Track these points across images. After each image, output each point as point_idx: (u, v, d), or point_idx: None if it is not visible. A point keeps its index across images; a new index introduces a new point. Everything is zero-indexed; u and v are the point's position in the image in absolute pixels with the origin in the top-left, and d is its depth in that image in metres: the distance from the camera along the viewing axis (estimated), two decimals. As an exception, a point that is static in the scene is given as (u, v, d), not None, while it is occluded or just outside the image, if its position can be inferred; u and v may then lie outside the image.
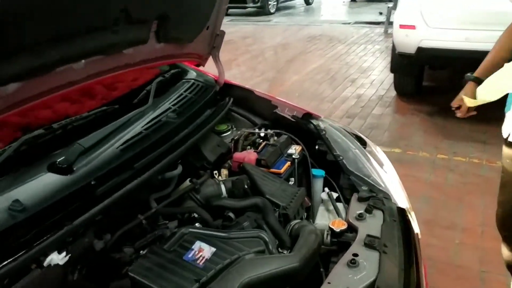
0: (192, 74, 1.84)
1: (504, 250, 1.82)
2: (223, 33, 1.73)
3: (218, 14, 1.65)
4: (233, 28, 10.46)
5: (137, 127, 1.37)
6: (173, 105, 1.54)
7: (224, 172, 1.53)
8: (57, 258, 0.97)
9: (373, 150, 1.72)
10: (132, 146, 1.27)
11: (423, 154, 3.76)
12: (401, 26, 4.12)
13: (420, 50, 4.02)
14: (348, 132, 1.73)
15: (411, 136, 4.07)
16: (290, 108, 1.82)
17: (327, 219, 1.41)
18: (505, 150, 1.63)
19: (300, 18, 11.97)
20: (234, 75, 6.39)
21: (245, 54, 7.66)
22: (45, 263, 0.96)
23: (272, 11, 12.58)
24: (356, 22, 10.29)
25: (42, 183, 1.06)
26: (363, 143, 1.71)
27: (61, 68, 1.08)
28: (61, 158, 1.14)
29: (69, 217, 1.02)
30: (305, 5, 14.64)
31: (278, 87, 5.75)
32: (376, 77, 5.86)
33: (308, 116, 1.79)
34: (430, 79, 5.41)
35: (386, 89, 5.34)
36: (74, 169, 1.14)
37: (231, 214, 1.30)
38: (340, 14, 12.97)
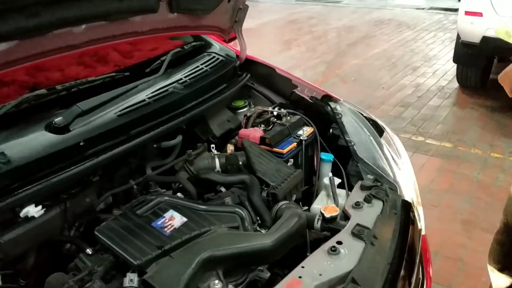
0: (215, 48, 1.84)
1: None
2: (246, 7, 1.70)
3: (240, -13, 1.62)
4: (301, 8, 10.30)
5: (142, 96, 1.39)
6: (185, 77, 1.55)
7: (230, 147, 1.53)
8: (33, 211, 1.02)
9: (391, 140, 1.63)
10: (131, 113, 1.30)
11: (476, 151, 3.52)
12: (467, 13, 3.83)
13: (485, 39, 3.73)
14: (366, 118, 1.65)
15: (466, 131, 3.82)
16: (310, 88, 1.77)
17: (324, 204, 1.36)
18: None
19: (372, 1, 11.47)
20: (293, 56, 6.33)
21: (307, 35, 7.52)
22: (22, 214, 1.01)
23: (343, -8, 12.18)
24: (431, 8, 9.70)
25: (34, 140, 1.12)
26: (381, 131, 1.62)
27: (59, 31, 1.11)
28: (58, 119, 1.19)
29: (53, 173, 1.06)
30: (380, -13, 14.00)
31: (335, 70, 5.62)
32: (440, 67, 5.52)
33: (327, 98, 1.72)
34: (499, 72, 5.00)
35: (448, 80, 5.03)
36: (71, 130, 1.19)
37: (223, 189, 1.30)
38: (415, -2, 12.30)
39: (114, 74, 1.43)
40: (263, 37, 7.67)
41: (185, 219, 1.05)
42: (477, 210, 2.79)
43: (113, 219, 1.05)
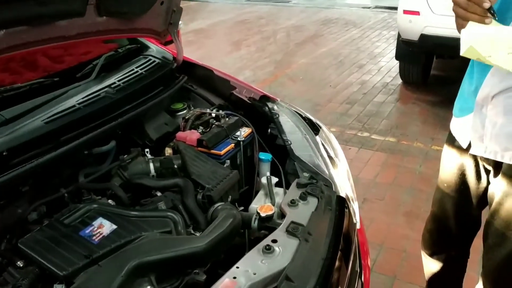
0: (151, 51, 1.82)
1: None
2: (180, 9, 1.69)
3: (173, -11, 1.61)
4: (251, 8, 10.35)
5: (72, 101, 1.36)
6: (118, 80, 1.53)
7: (168, 150, 1.51)
8: None
9: (327, 138, 1.67)
10: (59, 120, 1.26)
11: (418, 144, 3.66)
12: (405, 12, 3.98)
13: (423, 37, 3.89)
14: (302, 116, 1.68)
15: (409, 126, 3.97)
16: (248, 89, 1.79)
17: (262, 204, 1.38)
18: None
19: (320, 0, 11.69)
20: (243, 56, 6.35)
21: (257, 35, 7.57)
22: None
23: (292, -8, 12.35)
24: (376, 7, 10.01)
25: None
26: (317, 129, 1.66)
27: (-25, 37, 1.06)
28: (-21, 128, 1.14)
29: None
30: (328, -13, 14.30)
31: (284, 69, 5.68)
32: (385, 64, 5.71)
33: (265, 98, 1.74)
34: (440, 68, 5.24)
35: (392, 76, 5.20)
36: (-7, 139, 1.14)
37: (158, 193, 1.28)
38: (362, -3, 12.65)
39: (42, 80, 1.39)
40: (213, 38, 7.66)
41: (114, 226, 1.03)
42: (419, 202, 2.90)
43: (39, 230, 1.02)
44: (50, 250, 0.96)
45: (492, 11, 1.04)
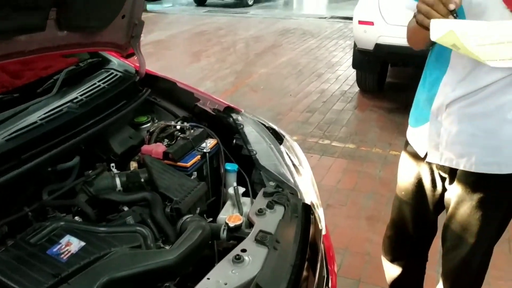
0: (113, 64, 1.80)
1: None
2: (142, 22, 1.69)
3: (134, 3, 1.61)
4: (209, 19, 10.40)
5: (33, 117, 1.33)
6: (80, 95, 1.51)
7: (134, 164, 1.50)
8: None
9: (291, 147, 1.71)
10: (20, 137, 1.23)
11: (376, 150, 3.78)
12: (360, 22, 4.13)
13: (378, 46, 4.04)
14: (266, 126, 1.71)
15: (367, 132, 4.09)
16: (212, 101, 1.81)
17: (229, 214, 1.40)
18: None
19: (277, 11, 11.93)
20: (203, 67, 6.36)
21: (216, 46, 7.60)
22: None
23: (250, 3, 12.53)
24: (332, 17, 10.31)
25: None
26: (281, 139, 1.70)
27: None
28: None
29: None
30: (285, -2, 14.59)
31: (244, 80, 5.73)
32: (342, 73, 5.87)
33: (229, 109, 1.77)
34: (394, 76, 5.45)
35: (350, 85, 5.36)
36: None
37: (125, 208, 1.28)
38: (318, 8, 13.00)
39: (1, 96, 1.35)
40: (173, 49, 7.63)
41: (83, 243, 1.02)
42: (379, 206, 3.00)
43: (3, 251, 0.99)
44: (17, 271, 0.93)
45: (455, 14, 1.09)
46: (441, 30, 1.06)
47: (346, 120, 4.40)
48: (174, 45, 7.89)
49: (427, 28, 1.12)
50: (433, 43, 1.32)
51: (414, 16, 1.32)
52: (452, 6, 1.08)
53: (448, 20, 1.09)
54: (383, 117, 4.40)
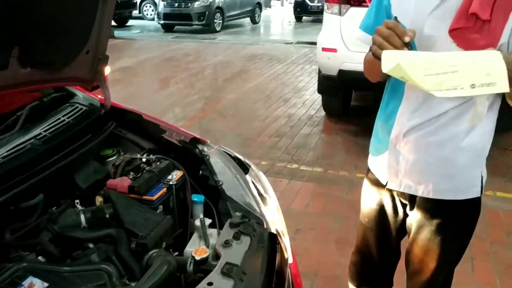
0: (78, 98, 1.81)
1: None
2: (107, 57, 1.71)
3: (99, 38, 1.63)
4: (177, 45, 10.48)
5: (-5, 156, 1.32)
6: (44, 131, 1.51)
7: (99, 199, 1.50)
8: None
9: (256, 176, 1.75)
10: (-18, 176, 1.22)
11: (343, 173, 3.86)
12: (324, 49, 4.26)
13: (341, 72, 4.17)
14: (232, 157, 1.75)
15: (334, 156, 4.18)
16: (178, 132, 1.83)
17: (196, 246, 1.41)
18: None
19: (245, 37, 12.14)
20: (172, 93, 6.38)
21: (185, 72, 7.66)
22: None
23: (217, 29, 12.71)
24: (298, 42, 10.57)
25: None
26: (246, 169, 1.73)
27: None
28: None
29: None
30: (251, 24, 14.87)
31: (213, 105, 5.78)
32: (309, 97, 6.01)
33: (195, 140, 1.79)
34: (359, 100, 5.61)
35: (316, 109, 5.48)
36: None
37: (91, 245, 1.27)
38: (284, 33, 13.35)
39: (-40, 135, 1.34)
40: (141, 76, 7.63)
41: (46, 284, 1.01)
42: (347, 229, 3.04)
43: (-37, 296, 0.98)
44: (-23, 316, 0.92)
45: (409, 46, 1.15)
46: (391, 61, 1.11)
47: (313, 144, 4.48)
48: (142, 72, 7.90)
49: (380, 60, 1.17)
50: (389, 76, 1.40)
51: (370, 49, 1.40)
52: (407, 39, 1.14)
53: (397, 51, 1.15)
54: (348, 140, 4.52)
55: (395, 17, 1.20)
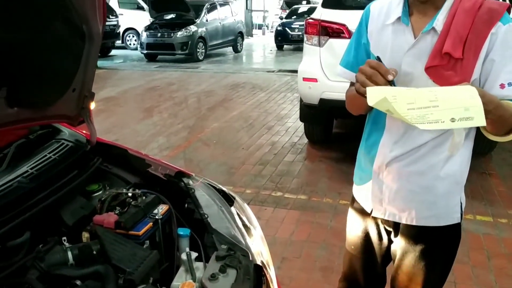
0: (64, 134, 1.83)
1: None
2: (92, 94, 1.75)
3: (85, 76, 1.67)
4: (160, 74, 10.56)
5: (-17, 194, 1.33)
6: (31, 168, 1.52)
7: (86, 235, 1.51)
8: None
9: (241, 208, 1.78)
10: (-31, 216, 1.23)
11: (327, 200, 3.91)
12: (304, 79, 4.38)
13: (322, 101, 4.28)
14: (216, 189, 1.78)
15: (317, 183, 4.24)
16: (163, 166, 1.86)
17: (183, 280, 1.42)
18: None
19: (227, 66, 12.31)
20: (155, 122, 6.40)
21: (168, 101, 7.71)
22: None
23: (200, 58, 12.86)
24: (280, 70, 10.77)
25: None
26: (231, 201, 1.77)
27: None
28: None
29: None
30: (234, 53, 15.10)
31: (197, 134, 5.82)
32: (292, 125, 6.10)
33: (179, 174, 1.82)
34: (341, 127, 5.72)
35: (299, 136, 5.57)
36: None
37: (78, 282, 1.28)
38: (266, 62, 13.58)
39: None
40: (124, 105, 7.66)
41: (34, 324, 1.02)
42: (332, 256, 3.08)
43: None
44: None
45: (393, 84, 1.23)
46: (376, 96, 1.18)
47: (297, 171, 4.54)
48: (125, 101, 7.92)
49: (363, 95, 1.25)
50: (371, 109, 1.48)
51: (351, 85, 1.48)
52: (390, 77, 1.22)
53: (381, 87, 1.23)
54: (331, 167, 4.58)
55: (378, 57, 1.28)
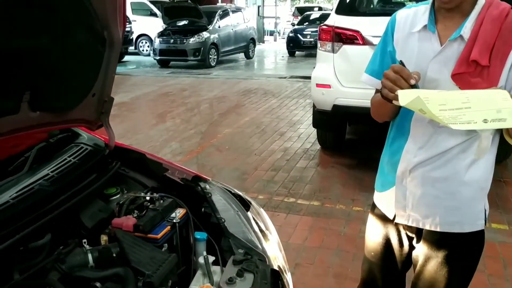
0: (83, 138, 1.86)
1: None
2: (112, 99, 1.78)
3: (105, 82, 1.70)
4: (173, 80, 10.64)
5: (5, 197, 1.36)
6: (51, 172, 1.55)
7: (104, 238, 1.53)
8: None
9: (257, 213, 1.79)
10: (-8, 217, 1.25)
11: (340, 206, 3.89)
12: (318, 85, 4.38)
13: (335, 107, 4.27)
14: (233, 194, 1.79)
15: (330, 189, 4.23)
16: (180, 171, 1.87)
17: (200, 284, 1.43)
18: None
19: (239, 72, 12.36)
20: (168, 128, 6.44)
21: (181, 107, 7.76)
22: None
23: (212, 64, 12.94)
24: (291, 77, 10.78)
25: None
26: (247, 205, 1.77)
27: None
28: None
29: None
30: (246, 59, 15.16)
31: (209, 140, 5.84)
32: (304, 131, 6.10)
33: (196, 178, 1.84)
34: (353, 133, 5.70)
35: (312, 142, 5.56)
36: None
37: (98, 284, 1.29)
38: (278, 68, 13.60)
39: (-29, 177, 1.38)
40: (137, 111, 7.72)
41: (56, 325, 1.03)
42: (346, 263, 3.06)
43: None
44: None
45: (417, 88, 1.25)
46: (408, 97, 1.21)
47: (310, 177, 4.53)
48: (138, 107, 7.99)
49: (390, 101, 1.29)
50: (396, 116, 1.49)
51: (377, 92, 1.49)
52: (412, 81, 1.25)
53: (412, 90, 1.25)
54: (344, 173, 4.57)
55: (401, 61, 1.30)
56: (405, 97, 1.22)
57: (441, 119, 1.16)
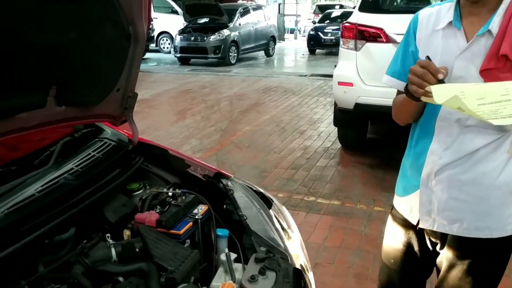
0: (106, 133, 1.87)
1: None
2: (135, 94, 1.78)
3: (129, 77, 1.70)
4: (193, 77, 10.68)
5: (31, 190, 1.37)
6: (76, 166, 1.56)
7: (127, 232, 1.53)
8: None
9: (279, 210, 1.77)
10: (19, 210, 1.27)
11: (361, 206, 3.85)
12: (340, 83, 4.33)
13: (357, 105, 4.22)
14: (255, 191, 1.78)
15: (351, 188, 4.18)
16: (202, 167, 1.87)
17: (222, 281, 1.42)
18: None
19: (259, 70, 12.34)
20: (188, 125, 6.47)
21: (201, 104, 7.79)
22: None
23: (232, 62, 12.95)
24: (312, 75, 10.71)
25: None
26: (269, 203, 1.76)
27: None
28: None
29: None
30: (266, 57, 15.13)
31: (229, 137, 5.84)
32: (324, 129, 6.05)
33: (218, 175, 1.83)
34: (375, 132, 5.63)
35: (332, 141, 5.51)
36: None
37: (121, 279, 1.30)
38: (298, 66, 13.52)
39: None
40: (158, 108, 7.77)
41: (80, 317, 1.04)
42: (366, 263, 3.02)
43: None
44: None
45: (444, 83, 1.20)
46: (443, 94, 1.14)
47: (330, 176, 4.49)
48: (159, 104, 8.05)
49: (417, 99, 1.24)
50: (419, 116, 1.44)
51: (398, 93, 1.45)
52: (440, 76, 1.19)
53: (447, 85, 1.20)
54: (365, 173, 4.51)
55: (427, 56, 1.26)
56: (439, 93, 1.14)
57: (479, 114, 1.08)
